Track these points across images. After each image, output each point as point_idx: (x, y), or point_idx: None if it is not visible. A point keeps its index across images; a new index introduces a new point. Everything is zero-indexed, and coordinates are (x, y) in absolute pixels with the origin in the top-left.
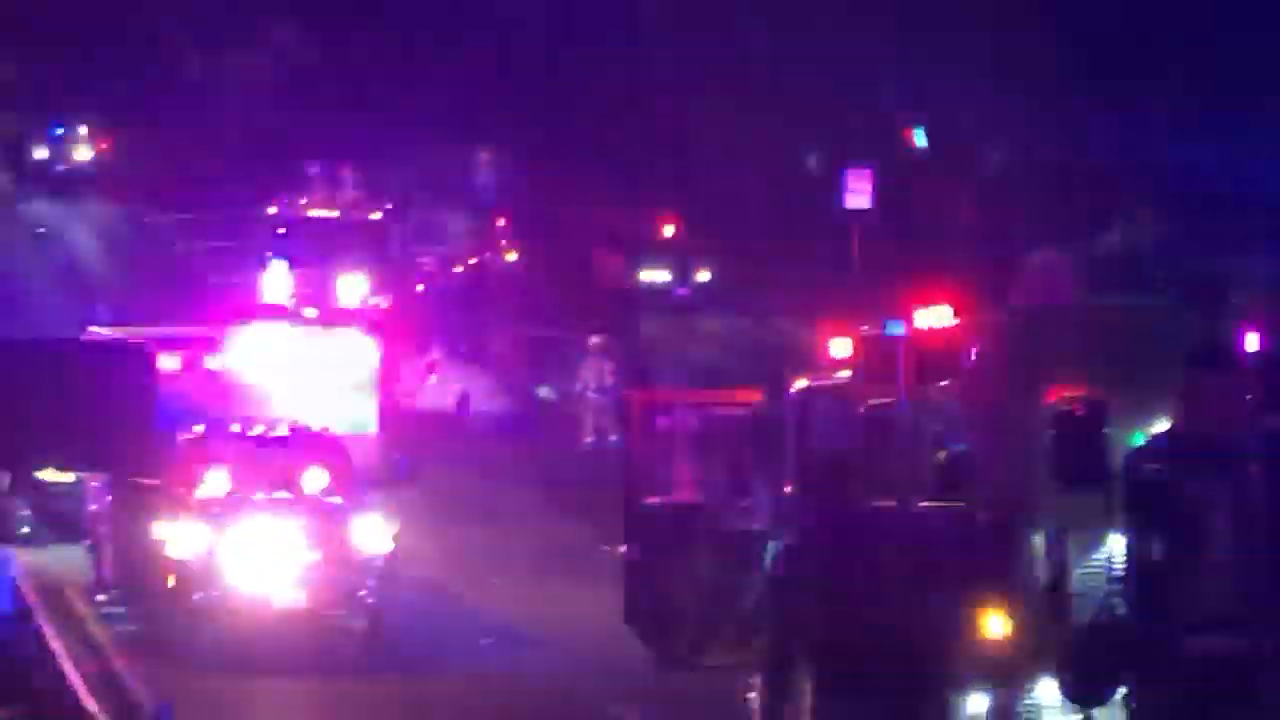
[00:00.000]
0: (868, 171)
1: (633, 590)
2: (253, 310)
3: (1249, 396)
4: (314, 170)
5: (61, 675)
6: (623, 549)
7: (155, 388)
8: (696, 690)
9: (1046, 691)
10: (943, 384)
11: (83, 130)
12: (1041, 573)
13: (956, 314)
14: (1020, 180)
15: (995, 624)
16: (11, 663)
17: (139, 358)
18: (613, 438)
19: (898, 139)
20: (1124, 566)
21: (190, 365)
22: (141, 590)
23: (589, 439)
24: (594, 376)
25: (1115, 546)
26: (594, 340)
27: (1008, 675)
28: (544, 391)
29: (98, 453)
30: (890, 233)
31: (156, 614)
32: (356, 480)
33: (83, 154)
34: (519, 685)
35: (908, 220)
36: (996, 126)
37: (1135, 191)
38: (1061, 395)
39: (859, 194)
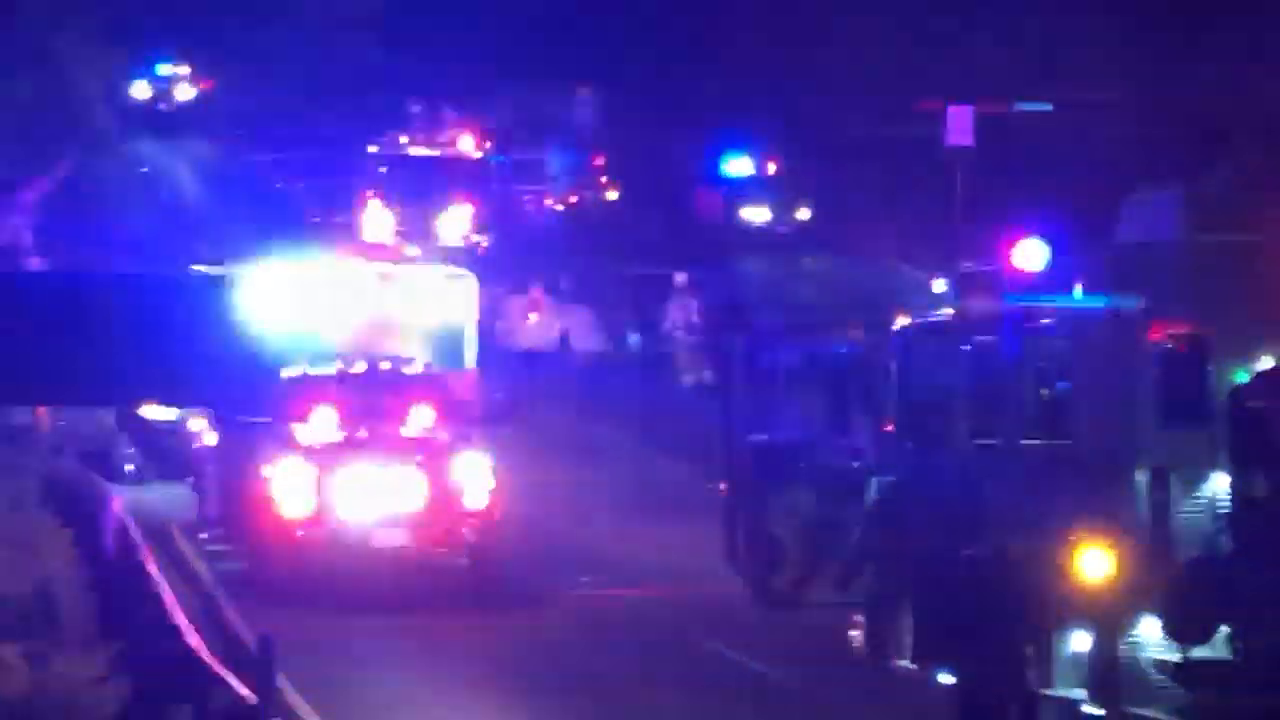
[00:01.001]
0: (969, 109)
1: (734, 528)
2: (354, 248)
3: None
4: (415, 108)
5: (165, 612)
6: (724, 486)
7: (256, 322)
8: (798, 627)
9: (1149, 629)
10: (1045, 321)
11: (184, 69)
12: (1145, 511)
13: (1059, 251)
14: (1124, 115)
15: (1098, 562)
16: (115, 600)
17: (240, 292)
18: (706, 374)
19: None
20: (1228, 504)
21: (292, 301)
22: (245, 528)
23: (688, 378)
24: (681, 315)
25: (1219, 484)
26: (679, 279)
27: (1110, 613)
28: (633, 339)
29: (200, 390)
30: (993, 170)
31: (260, 552)
32: (458, 418)
33: (184, 93)
34: (617, 622)
35: (1011, 157)
36: (1100, 61)
37: (1242, 125)
38: (1165, 333)
39: (961, 132)
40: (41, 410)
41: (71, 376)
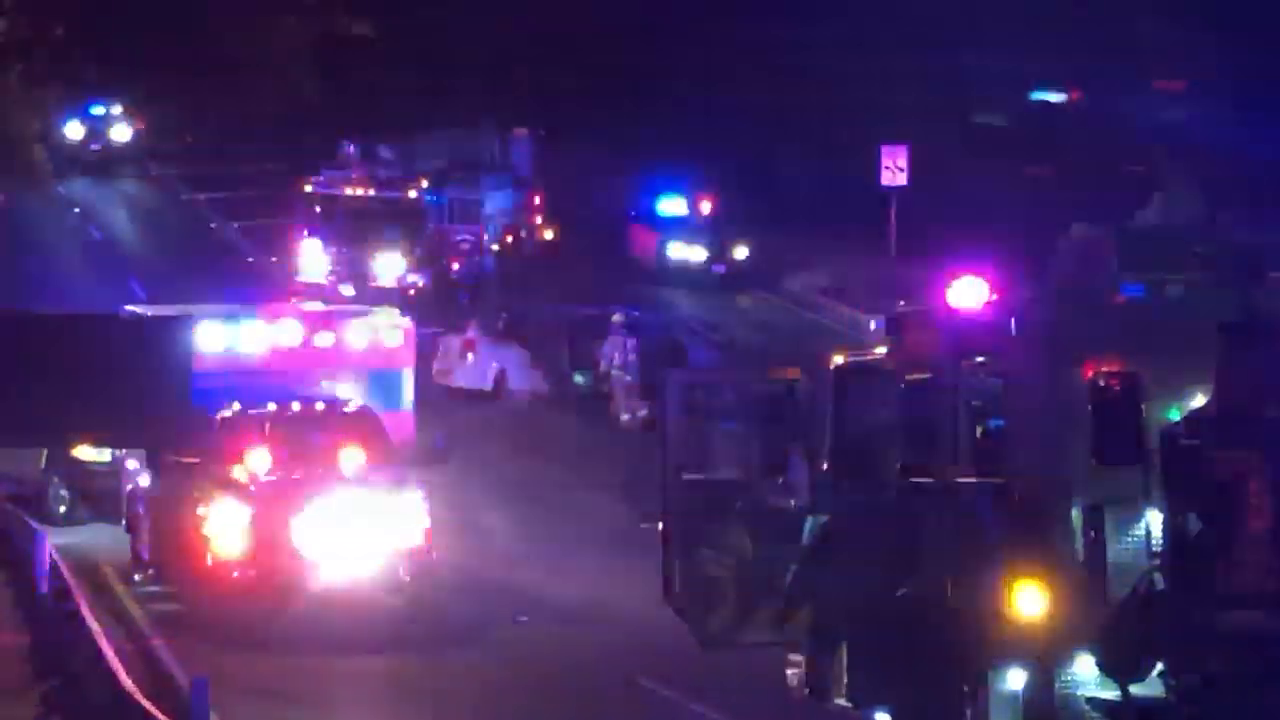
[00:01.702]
0: (903, 148)
1: (670, 567)
2: (289, 288)
3: None
4: (350, 149)
5: (98, 653)
6: (660, 524)
7: (190, 363)
8: (734, 666)
9: (1084, 666)
10: (979, 360)
11: (119, 110)
12: (1079, 548)
13: (994, 290)
14: (1058, 156)
15: (1032, 599)
16: (49, 640)
17: (174, 333)
18: (642, 413)
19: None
20: (1161, 542)
21: (227, 343)
22: (179, 569)
23: (624, 416)
24: (618, 354)
25: (1152, 522)
26: (615, 317)
27: (1045, 650)
28: (579, 378)
29: (133, 428)
30: (928, 209)
31: (194, 593)
32: (394, 458)
33: (119, 134)
34: (554, 662)
35: (945, 197)
36: (1033, 104)
37: (1174, 168)
38: (1098, 370)
39: (895, 171)
40: None
41: (5, 416)
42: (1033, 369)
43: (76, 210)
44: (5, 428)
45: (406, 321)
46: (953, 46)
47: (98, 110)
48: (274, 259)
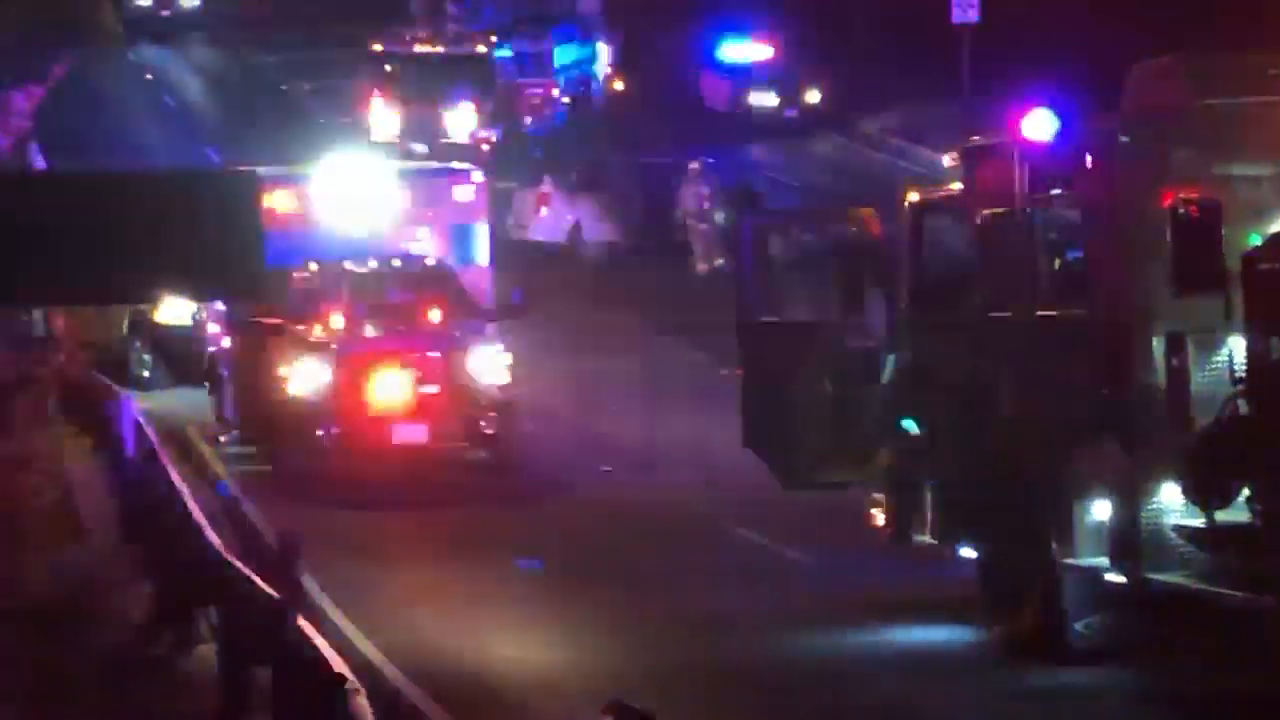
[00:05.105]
0: None
1: (751, 412)
2: (363, 146)
3: None
4: (417, 5)
5: (188, 513)
6: (739, 370)
7: (261, 219)
8: (818, 508)
9: (1169, 494)
10: (1055, 192)
11: None
12: (1162, 377)
13: (1066, 121)
14: None
15: (1115, 431)
16: (140, 502)
17: (244, 188)
18: (719, 261)
19: None
20: (1244, 367)
21: (301, 201)
22: (263, 429)
23: (702, 265)
24: (692, 202)
25: (1234, 348)
26: (691, 166)
27: (1130, 480)
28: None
29: (211, 283)
30: (1000, 43)
31: (279, 452)
32: (472, 313)
33: None
34: (641, 510)
35: (1017, 30)
36: None
37: None
38: (1177, 197)
39: (966, 7)
40: (58, 320)
41: (88, 275)
42: (1109, 199)
43: (149, 77)
44: (86, 289)
45: (480, 176)
46: None
47: None
48: (345, 119)
